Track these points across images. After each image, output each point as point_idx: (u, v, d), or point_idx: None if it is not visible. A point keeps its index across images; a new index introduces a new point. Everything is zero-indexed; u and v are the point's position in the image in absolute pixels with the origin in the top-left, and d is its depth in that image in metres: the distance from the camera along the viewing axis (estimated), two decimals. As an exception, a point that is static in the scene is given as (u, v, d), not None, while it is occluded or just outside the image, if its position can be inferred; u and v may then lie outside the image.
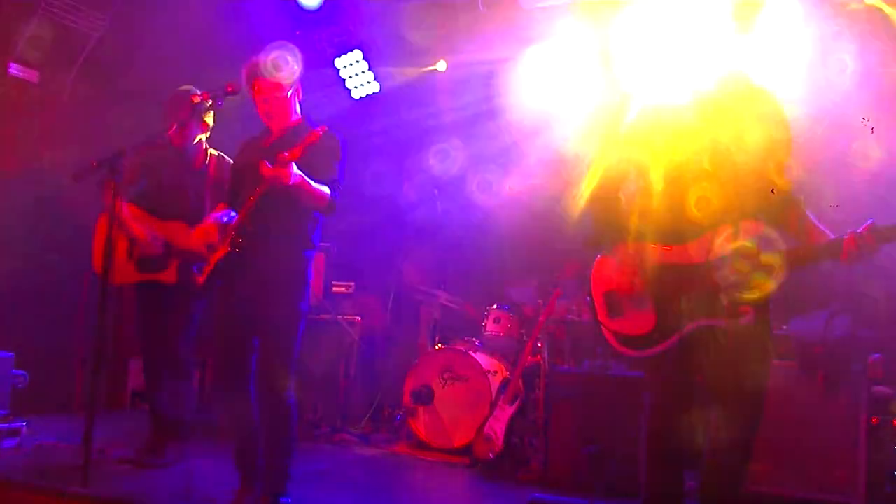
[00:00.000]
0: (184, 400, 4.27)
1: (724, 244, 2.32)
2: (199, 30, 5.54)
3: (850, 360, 3.76)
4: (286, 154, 2.91)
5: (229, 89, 3.41)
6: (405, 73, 6.43)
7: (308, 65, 3.53)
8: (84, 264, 4.45)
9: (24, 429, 4.29)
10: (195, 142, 4.25)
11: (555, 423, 4.31)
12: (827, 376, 3.76)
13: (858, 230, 2.29)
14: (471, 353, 5.12)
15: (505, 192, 5.94)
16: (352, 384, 5.84)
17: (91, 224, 4.36)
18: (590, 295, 2.69)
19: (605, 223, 2.63)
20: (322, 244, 4.20)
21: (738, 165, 2.19)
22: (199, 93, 3.65)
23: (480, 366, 5.03)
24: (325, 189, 3.12)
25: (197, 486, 3.47)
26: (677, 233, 2.48)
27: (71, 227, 5.59)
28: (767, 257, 2.38)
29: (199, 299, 4.21)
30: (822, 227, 2.51)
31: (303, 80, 3.37)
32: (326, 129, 3.04)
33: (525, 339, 4.96)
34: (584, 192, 2.69)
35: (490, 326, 5.23)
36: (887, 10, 4.36)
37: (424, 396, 5.14)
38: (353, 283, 5.97)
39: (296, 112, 3.39)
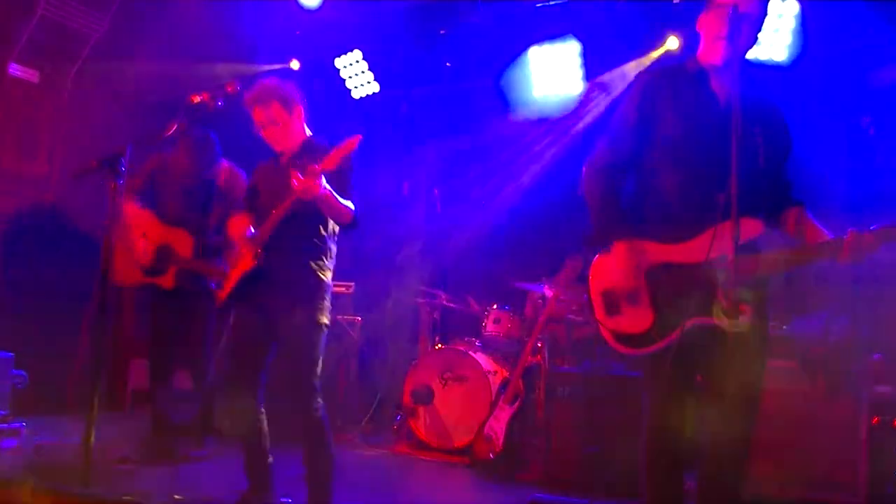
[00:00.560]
0: (186, 402, 4.30)
1: (723, 243, 2.30)
2: (199, 30, 5.54)
3: (850, 360, 3.76)
4: (316, 165, 2.86)
5: (229, 89, 3.41)
6: (405, 73, 6.43)
7: (308, 65, 3.54)
8: (85, 264, 4.46)
9: (24, 429, 4.29)
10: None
11: (555, 423, 4.31)
12: (827, 377, 3.75)
13: (859, 229, 2.28)
14: (471, 353, 5.12)
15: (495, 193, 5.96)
16: (352, 384, 5.84)
17: (91, 224, 4.37)
18: (588, 293, 2.66)
19: (603, 221, 2.60)
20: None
21: (739, 165, 2.18)
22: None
23: (480, 366, 5.03)
24: (350, 204, 3.12)
25: (198, 487, 3.47)
26: (676, 231, 2.46)
27: (71, 227, 5.59)
28: (766, 256, 2.39)
29: (207, 306, 4.27)
30: (821, 227, 2.50)
31: (304, 103, 3.36)
32: (360, 136, 2.97)
33: (525, 339, 4.95)
34: (583, 190, 2.67)
35: (490, 326, 5.22)
36: None
37: (424, 396, 5.14)
38: (353, 284, 5.97)
39: (302, 132, 3.38)
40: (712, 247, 2.34)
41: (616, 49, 5.56)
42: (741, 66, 2.43)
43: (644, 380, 2.66)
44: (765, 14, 2.48)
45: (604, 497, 3.90)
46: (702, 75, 2.55)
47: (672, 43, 5.36)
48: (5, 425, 4.19)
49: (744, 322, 2.21)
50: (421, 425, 5.16)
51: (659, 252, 2.49)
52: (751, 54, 2.54)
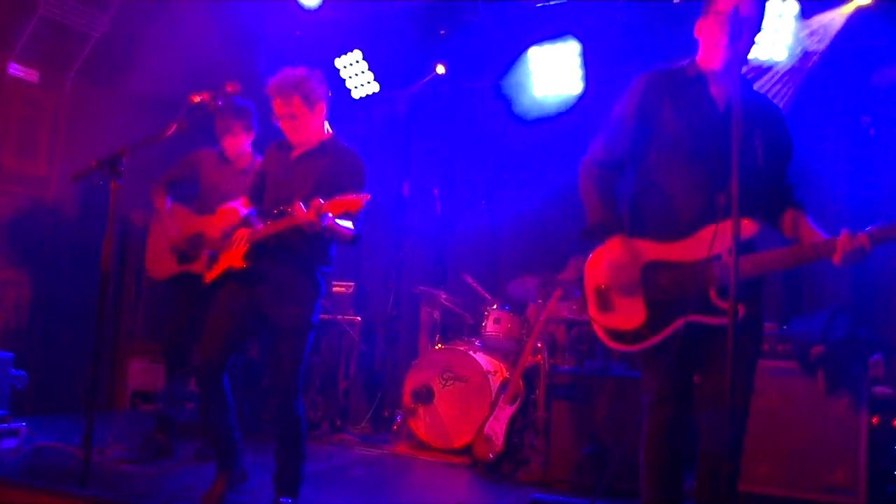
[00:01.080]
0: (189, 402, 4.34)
1: (718, 242, 2.33)
2: (200, 30, 5.53)
3: (850, 360, 3.76)
4: (323, 203, 2.87)
5: (229, 89, 3.42)
6: (405, 73, 6.43)
7: (308, 65, 3.54)
8: (86, 264, 4.46)
9: (24, 429, 4.28)
10: (241, 146, 4.42)
11: (555, 423, 4.31)
12: (827, 376, 3.75)
13: (852, 230, 2.31)
14: (471, 353, 5.12)
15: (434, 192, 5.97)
16: (352, 384, 5.84)
17: (92, 224, 4.38)
18: (582, 290, 2.70)
19: (598, 216, 2.61)
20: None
21: (739, 167, 2.20)
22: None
23: (480, 366, 5.03)
24: (350, 225, 3.14)
25: (199, 487, 3.47)
26: (672, 230, 2.49)
27: (72, 227, 5.60)
28: (760, 256, 2.40)
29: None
30: (817, 229, 2.52)
31: (328, 98, 3.34)
32: (369, 196, 2.98)
33: (525, 339, 4.95)
34: (579, 184, 2.69)
35: (490, 326, 5.22)
36: None
37: (424, 396, 5.14)
38: (353, 284, 5.98)
39: (321, 130, 3.35)
40: (712, 245, 2.35)
41: (616, 49, 5.56)
42: (740, 70, 2.44)
43: (642, 379, 2.66)
44: (763, 17, 2.49)
45: (604, 497, 3.90)
46: (700, 79, 2.57)
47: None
48: (5, 426, 4.19)
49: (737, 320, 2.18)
50: (421, 425, 5.16)
51: (654, 250, 2.51)
52: (750, 54, 2.55)
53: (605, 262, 2.57)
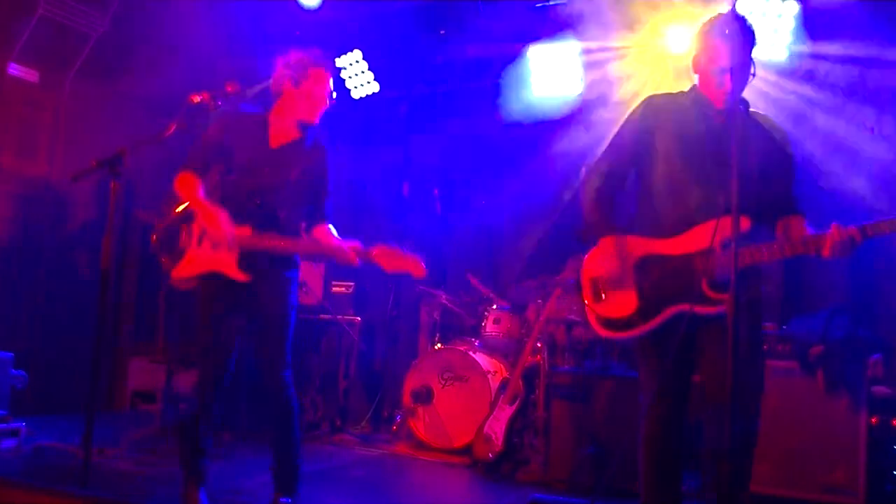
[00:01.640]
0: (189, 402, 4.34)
1: (709, 236, 2.46)
2: (199, 29, 5.54)
3: (850, 360, 3.76)
4: (373, 254, 3.23)
5: (229, 89, 3.41)
6: (405, 73, 6.43)
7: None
8: (86, 264, 4.47)
9: (24, 429, 4.29)
10: None
11: (554, 423, 4.31)
12: (827, 376, 3.76)
13: (842, 224, 2.42)
14: (470, 353, 5.12)
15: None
16: (352, 384, 5.84)
17: (93, 224, 4.38)
18: (579, 281, 2.86)
19: (593, 218, 2.78)
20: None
21: (739, 172, 2.31)
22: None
23: (480, 366, 5.03)
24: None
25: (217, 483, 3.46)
26: (666, 227, 2.64)
27: (71, 228, 5.60)
28: (751, 248, 2.49)
29: None
30: (810, 229, 2.60)
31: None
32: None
33: (525, 339, 4.95)
34: (581, 192, 2.85)
35: (490, 326, 5.22)
36: None
37: (424, 396, 5.14)
38: (353, 284, 5.97)
39: None
40: (701, 240, 2.51)
41: (616, 49, 5.56)
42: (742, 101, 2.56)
43: (640, 379, 2.75)
44: (751, 61, 2.59)
45: (604, 497, 3.90)
46: (700, 99, 2.74)
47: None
48: (5, 425, 4.19)
49: (723, 310, 2.31)
50: (421, 425, 5.16)
51: (648, 246, 2.67)
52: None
53: (599, 257, 2.76)
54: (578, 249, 5.44)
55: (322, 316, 5.68)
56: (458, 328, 5.73)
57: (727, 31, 2.57)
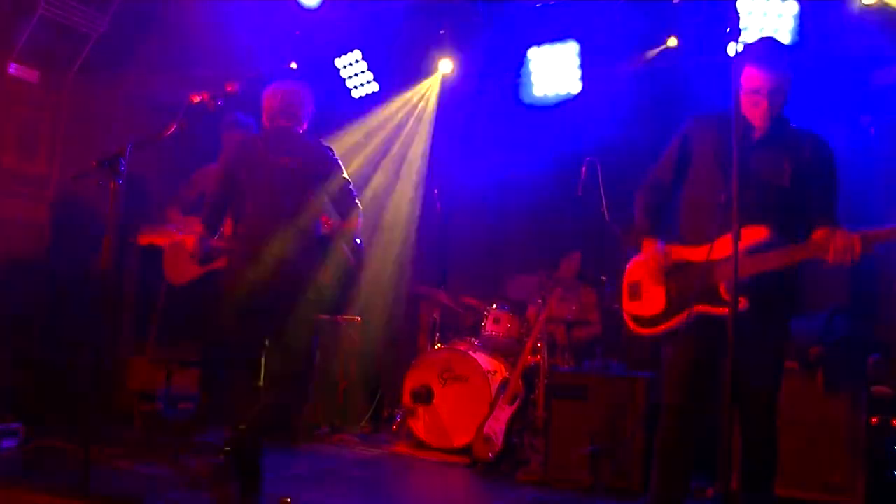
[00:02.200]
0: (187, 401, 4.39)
1: (729, 245, 2.53)
2: (199, 29, 5.54)
3: (850, 360, 3.77)
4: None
5: (229, 89, 3.41)
6: (405, 74, 6.43)
7: (308, 65, 3.59)
8: (86, 264, 4.47)
9: (23, 429, 4.28)
10: None
11: (554, 422, 4.31)
12: (827, 376, 3.76)
13: (847, 230, 2.53)
14: (470, 353, 5.12)
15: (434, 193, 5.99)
16: (352, 384, 5.84)
17: (93, 224, 4.39)
18: (619, 284, 3.13)
19: (638, 226, 3.04)
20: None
21: (762, 182, 2.57)
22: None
23: (480, 366, 5.03)
24: None
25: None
26: (697, 236, 2.85)
27: (72, 228, 5.59)
28: (758, 256, 2.62)
29: None
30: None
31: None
32: None
33: (525, 338, 4.96)
34: (635, 203, 3.08)
35: (490, 326, 5.22)
36: None
37: (424, 396, 5.14)
38: (352, 284, 5.96)
39: None
40: (723, 249, 2.65)
41: (616, 49, 5.56)
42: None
43: (662, 383, 2.93)
44: (790, 76, 2.77)
45: (604, 497, 3.90)
46: (740, 116, 2.85)
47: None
48: (5, 425, 4.19)
49: (740, 310, 2.47)
50: (421, 425, 5.16)
51: (680, 252, 2.89)
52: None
53: (639, 263, 3.01)
54: (572, 246, 5.48)
55: (322, 316, 5.67)
56: (457, 328, 5.73)
57: (761, 55, 2.74)
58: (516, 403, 4.63)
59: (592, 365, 4.55)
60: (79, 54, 5.62)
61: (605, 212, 4.40)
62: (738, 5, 4.73)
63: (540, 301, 4.95)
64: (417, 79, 6.43)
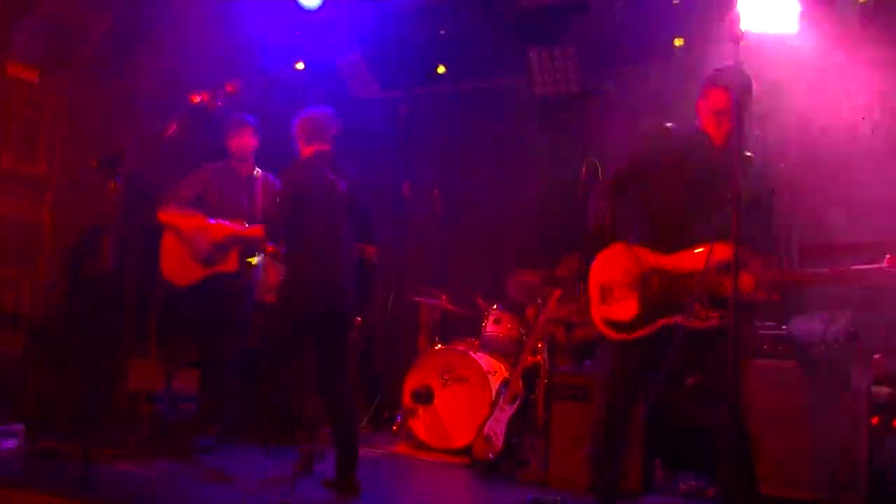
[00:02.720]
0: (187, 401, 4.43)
1: (706, 259, 2.69)
2: (200, 29, 5.53)
3: (850, 360, 3.76)
4: None
5: (229, 89, 3.42)
6: (405, 74, 6.42)
7: (308, 65, 3.60)
8: (85, 264, 4.46)
9: (23, 430, 4.28)
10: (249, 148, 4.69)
11: (555, 423, 4.31)
12: (827, 376, 3.75)
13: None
14: (471, 353, 5.12)
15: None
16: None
17: (93, 224, 4.38)
18: (586, 283, 3.16)
19: (610, 222, 3.04)
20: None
21: (722, 199, 2.58)
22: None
23: (480, 366, 5.03)
24: None
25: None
26: (669, 244, 2.91)
27: (71, 228, 5.59)
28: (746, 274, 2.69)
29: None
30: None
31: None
32: None
33: (525, 339, 4.95)
34: (595, 200, 3.11)
35: (490, 326, 5.22)
36: None
37: (424, 396, 5.14)
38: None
39: None
40: (698, 261, 2.75)
41: (616, 49, 5.56)
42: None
43: (608, 366, 3.06)
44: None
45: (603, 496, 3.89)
46: (703, 135, 3.02)
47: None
48: (5, 426, 4.19)
49: (709, 325, 2.69)
50: (421, 425, 5.16)
51: (653, 259, 2.93)
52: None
53: (609, 263, 3.04)
54: (571, 247, 5.48)
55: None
56: (458, 328, 5.72)
57: (725, 81, 2.84)
58: (517, 404, 4.63)
59: (592, 365, 4.55)
60: (79, 53, 5.62)
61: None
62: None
63: (540, 301, 4.94)
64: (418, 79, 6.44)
